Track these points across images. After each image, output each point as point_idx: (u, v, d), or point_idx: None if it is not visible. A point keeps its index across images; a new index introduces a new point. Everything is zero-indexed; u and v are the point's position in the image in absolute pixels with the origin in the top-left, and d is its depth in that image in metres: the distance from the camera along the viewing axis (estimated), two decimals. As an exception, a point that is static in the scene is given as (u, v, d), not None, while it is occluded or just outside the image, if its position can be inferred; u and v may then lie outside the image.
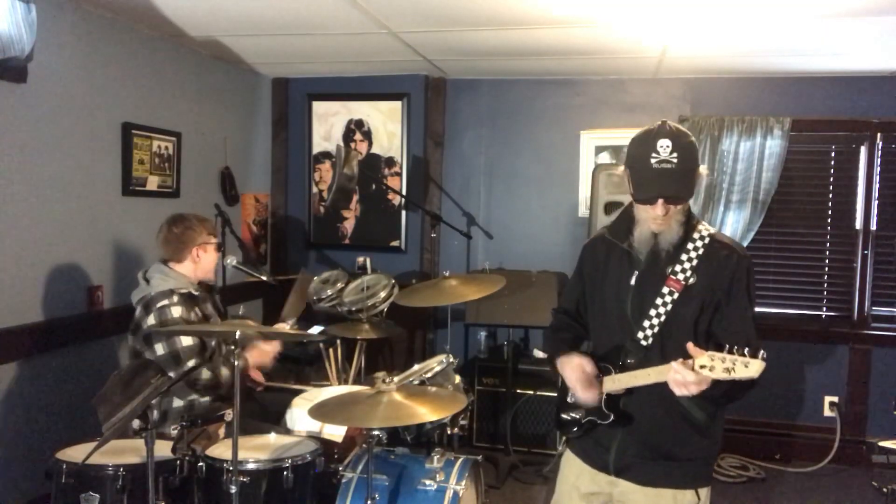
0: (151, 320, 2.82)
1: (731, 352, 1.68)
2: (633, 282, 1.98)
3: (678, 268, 1.92)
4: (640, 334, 1.95)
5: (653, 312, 1.93)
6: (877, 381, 4.54)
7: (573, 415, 2.07)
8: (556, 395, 2.23)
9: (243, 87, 4.83)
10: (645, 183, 1.87)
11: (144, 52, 3.79)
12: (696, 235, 1.95)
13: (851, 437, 4.55)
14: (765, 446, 4.62)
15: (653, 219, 1.91)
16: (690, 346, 1.76)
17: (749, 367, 1.66)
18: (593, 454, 2.08)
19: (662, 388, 1.82)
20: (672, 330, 1.91)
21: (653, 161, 1.82)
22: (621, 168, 1.97)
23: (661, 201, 1.86)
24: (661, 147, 1.82)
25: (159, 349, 2.81)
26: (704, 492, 2.01)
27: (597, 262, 2.11)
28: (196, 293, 2.99)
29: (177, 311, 2.84)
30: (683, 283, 1.91)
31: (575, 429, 2.08)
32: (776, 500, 4.06)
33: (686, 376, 1.72)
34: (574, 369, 1.98)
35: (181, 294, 2.90)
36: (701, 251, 1.93)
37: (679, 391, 1.76)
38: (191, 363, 2.81)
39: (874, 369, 4.55)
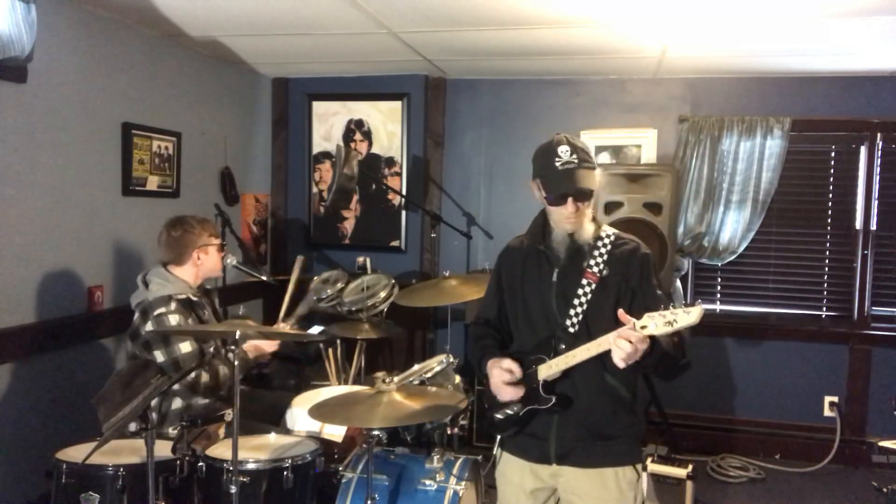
0: (149, 327, 2.80)
1: (665, 310, 1.84)
2: (554, 278, 2.15)
3: (592, 262, 2.13)
4: (567, 322, 2.10)
5: (576, 302, 2.11)
6: (877, 381, 4.54)
7: (508, 411, 2.15)
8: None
9: (243, 87, 4.83)
10: (554, 183, 2.08)
11: (144, 52, 3.79)
12: (602, 234, 2.17)
13: (851, 437, 4.55)
14: (765, 446, 4.63)
15: (566, 218, 2.10)
16: (621, 312, 1.91)
17: (690, 314, 1.79)
18: (531, 448, 2.17)
19: (592, 370, 2.03)
20: (594, 317, 2.08)
21: (557, 164, 2.06)
22: (536, 182, 2.16)
23: (570, 199, 2.07)
24: (562, 152, 2.07)
25: (159, 356, 2.79)
26: (640, 467, 2.16)
27: (514, 268, 2.27)
28: (195, 298, 2.97)
29: (174, 319, 2.81)
30: (599, 275, 2.11)
31: (514, 424, 2.16)
32: (776, 500, 4.06)
33: (631, 336, 1.85)
34: (501, 372, 2.10)
35: (179, 300, 2.87)
36: (609, 247, 2.15)
37: (623, 356, 1.86)
38: (192, 374, 2.79)
39: (874, 369, 4.54)
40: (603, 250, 2.14)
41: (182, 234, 2.96)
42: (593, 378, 2.09)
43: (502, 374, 2.09)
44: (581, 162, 2.06)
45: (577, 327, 2.09)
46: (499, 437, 2.28)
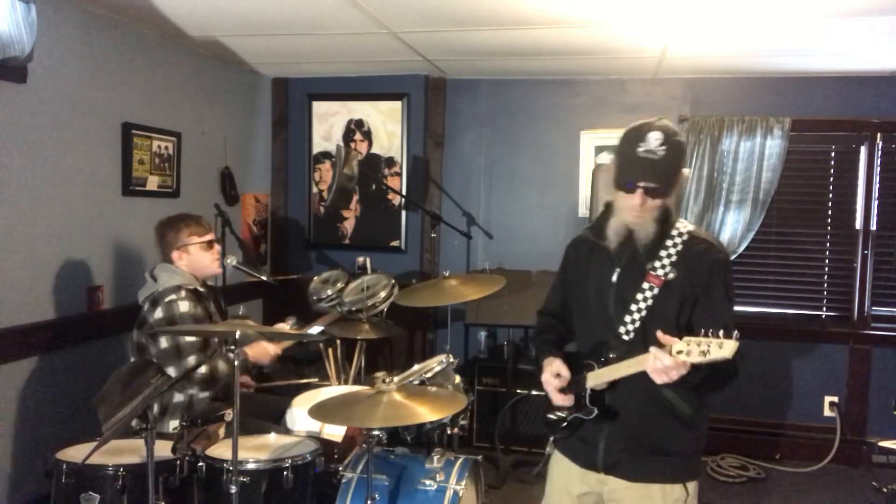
0: (159, 314, 2.86)
1: (705, 335, 1.70)
2: (614, 279, 2.01)
3: (657, 264, 1.95)
4: (622, 329, 1.97)
5: (633, 308, 1.96)
6: (877, 381, 4.54)
7: (559, 414, 2.09)
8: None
9: (243, 87, 4.83)
10: (627, 169, 1.89)
11: (144, 52, 3.79)
12: (674, 232, 1.97)
13: (851, 437, 4.55)
14: (765, 446, 4.62)
15: (629, 208, 1.92)
16: (660, 334, 1.77)
17: (723, 348, 1.66)
18: (581, 453, 2.09)
19: (648, 382, 1.84)
20: (653, 324, 1.90)
21: (639, 149, 1.85)
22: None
23: (639, 191, 1.88)
24: (651, 138, 1.85)
25: (163, 342, 2.85)
26: (692, 485, 2.03)
27: (579, 262, 2.15)
28: (202, 290, 3.05)
29: (184, 306, 2.88)
30: (663, 278, 1.94)
31: (562, 427, 2.09)
32: (776, 500, 4.06)
33: (664, 360, 1.73)
34: (551, 375, 2.02)
35: (189, 290, 2.95)
36: (680, 247, 1.96)
37: (659, 378, 1.77)
38: (191, 359, 2.83)
39: (874, 369, 4.54)
40: (672, 250, 1.95)
41: (159, 238, 3.07)
42: (649, 390, 1.91)
43: (551, 379, 2.02)
44: (667, 157, 1.84)
45: (631, 335, 1.96)
46: (551, 437, 2.20)
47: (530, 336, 2.33)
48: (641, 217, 1.93)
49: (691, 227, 2.01)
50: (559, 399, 2.03)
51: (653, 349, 1.76)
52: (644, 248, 1.96)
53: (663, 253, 1.95)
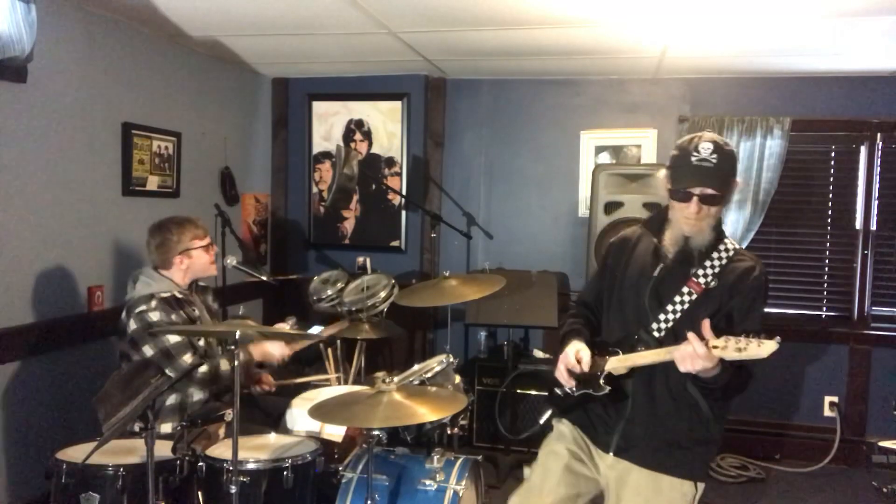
0: (133, 325, 2.82)
1: (746, 336, 1.75)
2: (656, 273, 2.05)
3: (700, 272, 2.00)
4: (654, 326, 2.02)
5: (669, 308, 2.00)
6: (877, 381, 4.54)
7: (566, 389, 2.12)
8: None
9: (243, 87, 4.83)
10: (683, 177, 1.96)
11: (144, 52, 3.79)
12: (721, 247, 2.03)
13: (851, 437, 4.55)
14: (765, 446, 4.62)
15: (686, 217, 1.98)
16: (705, 323, 1.81)
17: (762, 347, 1.71)
18: (598, 428, 2.12)
19: (675, 375, 1.90)
20: (685, 327, 1.93)
21: (693, 159, 1.93)
22: (663, 172, 2.07)
23: (695, 199, 1.94)
24: (704, 148, 1.93)
25: (147, 350, 2.80)
26: (701, 486, 2.06)
27: (621, 255, 2.18)
28: (181, 296, 2.98)
29: (154, 316, 2.82)
30: (704, 286, 1.99)
31: (569, 402, 2.13)
32: (776, 500, 4.06)
33: (698, 348, 1.77)
34: (571, 353, 2.05)
35: (161, 298, 2.88)
36: (724, 261, 2.01)
37: (683, 364, 1.81)
38: (186, 357, 2.81)
39: (874, 369, 4.54)
40: (717, 262, 2.02)
41: (161, 242, 2.98)
42: (674, 383, 2.01)
43: (569, 361, 2.04)
44: (720, 164, 1.94)
45: (663, 333, 2.01)
46: (550, 412, 2.25)
47: (562, 322, 2.35)
48: (698, 225, 1.99)
49: (737, 245, 2.09)
50: (563, 376, 2.06)
51: (691, 335, 1.80)
52: (698, 253, 2.02)
53: (708, 263, 2.01)
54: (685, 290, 2.00)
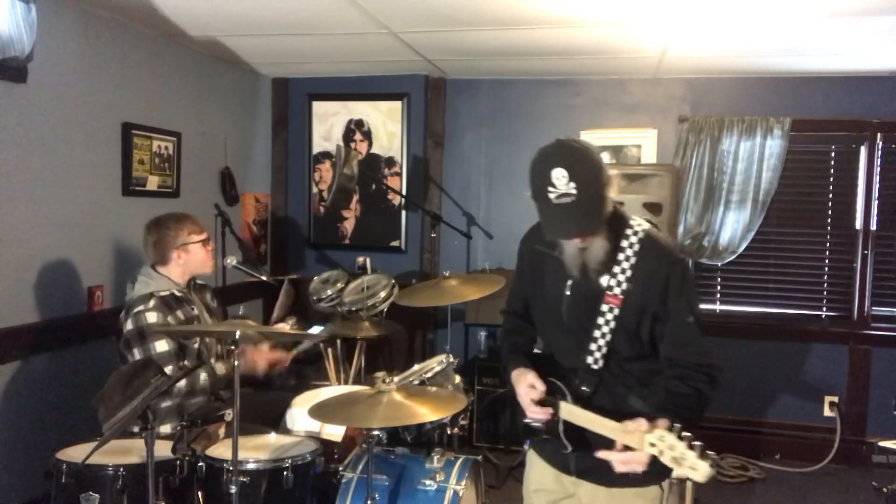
0: (129, 325, 2.82)
1: (685, 444, 1.59)
2: (567, 292, 1.92)
3: (613, 282, 1.84)
4: (590, 359, 1.89)
5: (597, 334, 1.87)
6: (877, 381, 4.54)
7: (536, 425, 2.03)
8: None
9: (243, 87, 4.83)
10: (549, 223, 1.75)
11: (144, 52, 3.79)
12: (625, 244, 1.85)
13: (851, 437, 4.55)
14: (765, 446, 4.62)
15: (573, 245, 1.83)
16: (630, 424, 1.70)
17: (696, 472, 1.56)
18: (556, 455, 2.06)
19: (615, 392, 1.89)
20: (619, 346, 1.86)
21: (551, 196, 1.68)
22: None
23: (573, 238, 1.79)
24: (557, 179, 1.67)
25: (136, 354, 2.79)
26: (666, 483, 2.00)
27: (534, 258, 2.05)
28: (180, 294, 2.98)
29: (152, 317, 2.81)
30: (622, 297, 1.83)
31: (541, 434, 2.05)
32: (776, 500, 4.06)
33: (639, 457, 1.68)
34: (527, 390, 1.95)
35: (160, 297, 2.88)
36: (633, 259, 1.84)
37: (620, 467, 1.74)
38: (168, 368, 2.74)
39: (874, 369, 4.54)
40: (625, 264, 1.84)
41: (159, 238, 2.98)
42: (616, 401, 1.90)
43: (529, 392, 1.93)
44: (582, 192, 1.67)
45: (600, 363, 1.87)
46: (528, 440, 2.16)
47: (499, 335, 2.27)
48: (589, 243, 1.82)
49: (646, 226, 1.89)
50: (536, 412, 1.94)
51: (624, 439, 1.71)
52: (598, 264, 1.84)
53: (617, 269, 1.84)
54: (605, 308, 1.84)
